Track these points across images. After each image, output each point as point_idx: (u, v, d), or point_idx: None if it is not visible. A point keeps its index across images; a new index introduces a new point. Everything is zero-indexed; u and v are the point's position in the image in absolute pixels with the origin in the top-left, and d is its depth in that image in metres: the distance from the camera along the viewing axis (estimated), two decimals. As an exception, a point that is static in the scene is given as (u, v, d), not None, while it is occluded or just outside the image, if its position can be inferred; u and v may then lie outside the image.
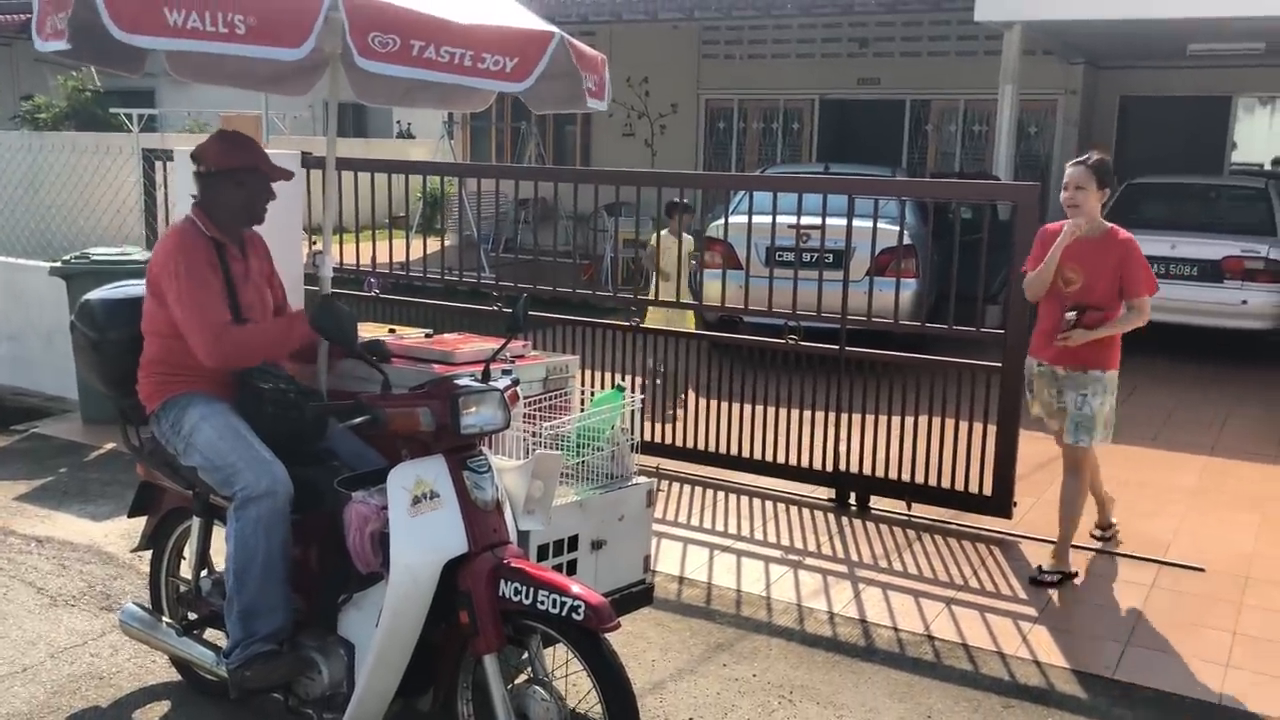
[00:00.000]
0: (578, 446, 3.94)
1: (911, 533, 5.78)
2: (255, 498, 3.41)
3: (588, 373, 6.54)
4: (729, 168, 16.89)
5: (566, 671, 3.29)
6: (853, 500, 6.17)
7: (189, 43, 3.25)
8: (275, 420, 3.59)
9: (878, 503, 6.12)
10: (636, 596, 4.08)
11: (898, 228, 6.28)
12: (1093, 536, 5.70)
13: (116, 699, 4.01)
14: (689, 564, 5.33)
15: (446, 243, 12.66)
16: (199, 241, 3.66)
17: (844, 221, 6.00)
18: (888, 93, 15.87)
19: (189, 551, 3.94)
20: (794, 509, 6.10)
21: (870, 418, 6.11)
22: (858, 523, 5.93)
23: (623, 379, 6.39)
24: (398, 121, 26.33)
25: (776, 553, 5.49)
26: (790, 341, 6.31)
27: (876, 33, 15.59)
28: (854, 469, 6.15)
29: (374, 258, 7.84)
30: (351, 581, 3.37)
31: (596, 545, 3.89)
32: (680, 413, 6.83)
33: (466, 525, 3.16)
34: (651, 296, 7.64)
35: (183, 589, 4.01)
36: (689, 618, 4.78)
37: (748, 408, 6.49)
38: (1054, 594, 5.06)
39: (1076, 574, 5.24)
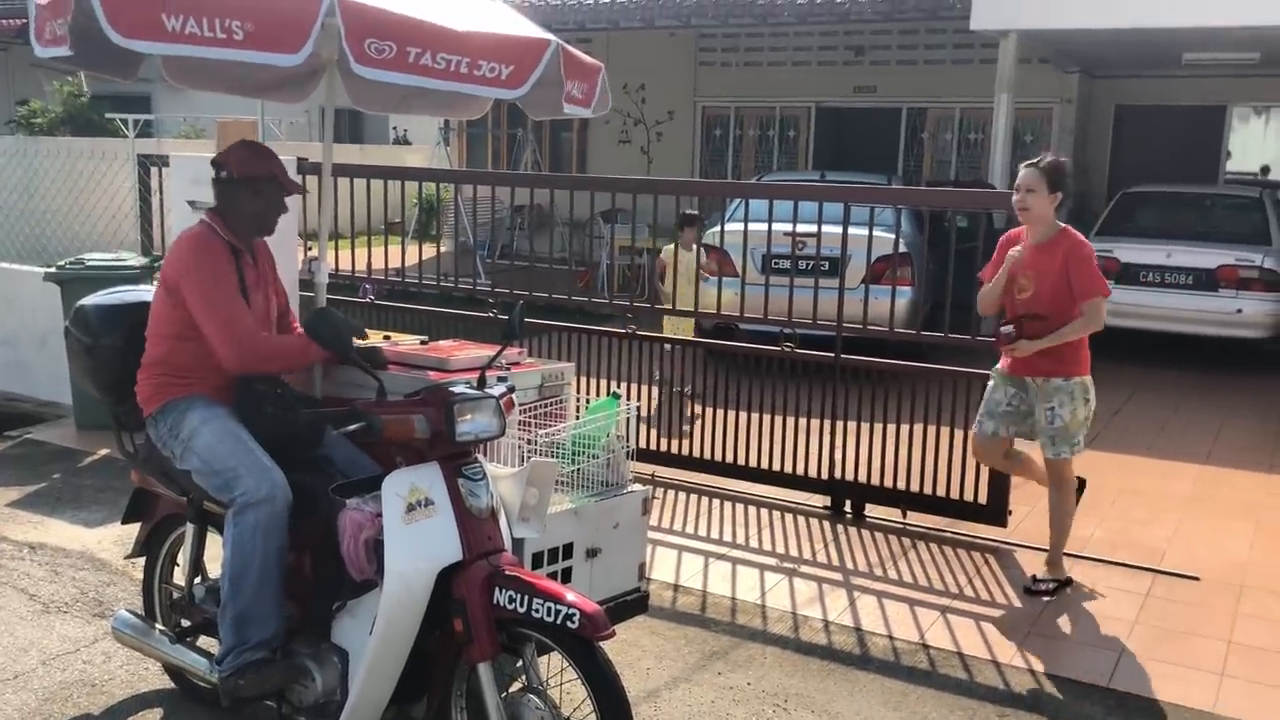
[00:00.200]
0: (573, 454, 3.93)
1: (906, 541, 5.78)
2: (254, 503, 3.40)
3: (583, 380, 6.54)
4: (725, 175, 16.90)
5: (561, 680, 3.28)
6: (848, 508, 6.17)
7: (186, 48, 3.25)
8: (276, 421, 3.58)
9: (873, 510, 6.12)
10: (631, 604, 4.07)
11: (893, 235, 6.29)
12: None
13: (109, 706, 3.99)
14: (684, 572, 5.32)
15: (442, 249, 12.65)
16: (219, 245, 3.67)
17: (840, 229, 6.01)
18: (884, 101, 15.90)
19: (182, 558, 3.93)
20: (789, 517, 6.10)
21: (866, 425, 6.11)
22: (853, 530, 5.93)
23: (618, 386, 6.40)
24: (394, 127, 26.34)
25: (771, 561, 5.48)
26: (786, 349, 6.31)
27: (872, 41, 15.62)
28: (849, 477, 6.15)
29: (369, 264, 7.83)
30: (346, 588, 3.36)
31: (591, 553, 3.89)
32: (689, 429, 6.77)
33: (461, 533, 3.15)
34: (660, 306, 7.64)
35: (176, 596, 4.00)
36: (684, 626, 4.77)
37: (743, 415, 6.49)
38: (1048, 602, 5.06)
39: (1071, 582, 5.23)
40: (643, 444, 6.42)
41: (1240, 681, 4.36)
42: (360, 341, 3.79)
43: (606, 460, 4.02)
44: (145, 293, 4.17)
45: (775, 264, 7.66)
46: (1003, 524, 5.77)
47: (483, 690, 3.10)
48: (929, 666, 4.46)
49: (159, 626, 3.98)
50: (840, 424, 6.14)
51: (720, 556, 5.51)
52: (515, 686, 3.32)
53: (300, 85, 4.71)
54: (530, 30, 3.97)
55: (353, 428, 3.21)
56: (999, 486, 5.73)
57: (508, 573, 3.14)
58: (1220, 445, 7.88)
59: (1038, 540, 5.68)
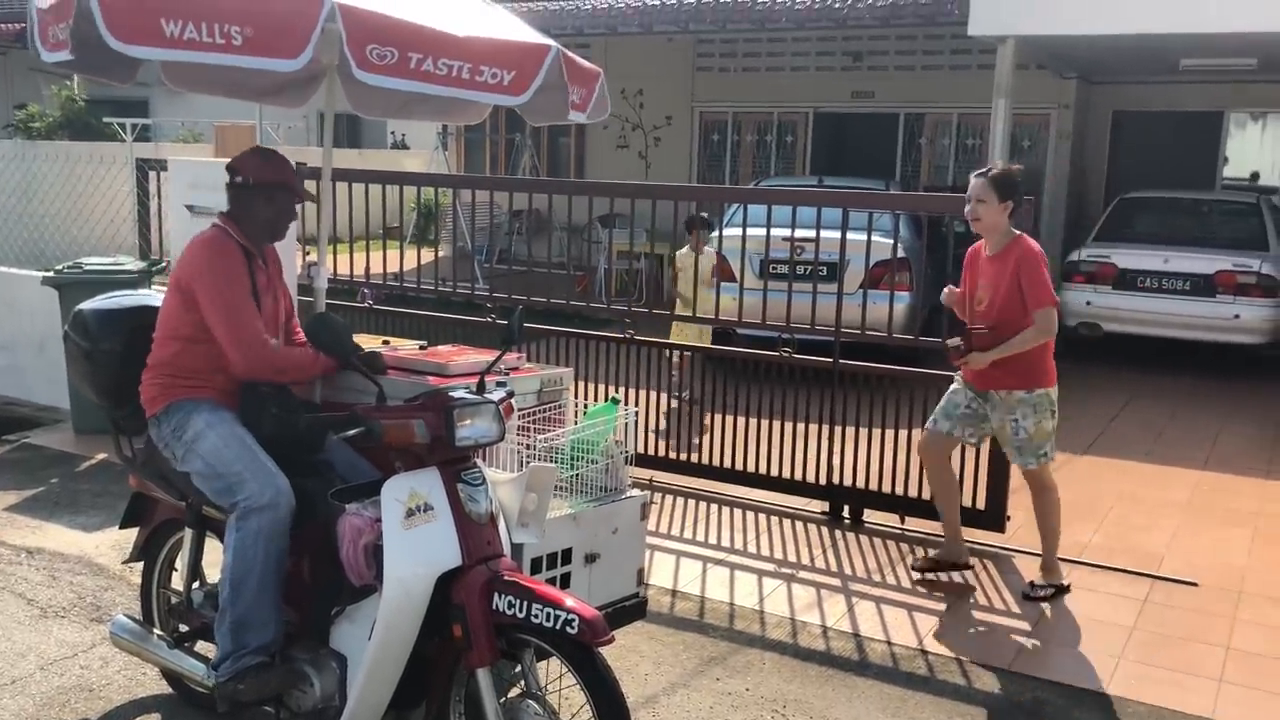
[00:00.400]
0: (572, 459, 3.93)
1: (905, 546, 5.78)
2: (258, 509, 3.40)
3: (581, 385, 6.54)
4: (723, 180, 16.90)
5: (560, 685, 3.28)
6: (846, 513, 6.17)
7: (185, 53, 3.26)
8: (279, 423, 3.58)
9: (871, 516, 6.12)
10: (630, 610, 4.07)
11: (892, 241, 6.29)
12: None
13: (106, 711, 3.98)
14: (682, 577, 5.32)
15: (440, 254, 12.66)
16: (233, 248, 3.68)
17: (838, 234, 6.01)
18: (882, 106, 15.90)
19: (181, 563, 3.93)
20: (787, 522, 6.09)
21: (864, 430, 6.11)
22: (851, 536, 5.93)
23: (617, 391, 6.40)
24: (392, 132, 26.31)
25: (770, 566, 5.48)
26: (784, 354, 6.32)
27: (870, 46, 15.63)
28: (848, 482, 6.15)
29: (368, 269, 7.83)
30: (344, 594, 3.36)
31: (590, 558, 3.89)
32: (702, 439, 6.75)
33: (460, 538, 3.15)
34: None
35: (174, 601, 4.00)
36: (682, 631, 4.77)
37: (741, 420, 6.49)
38: (1046, 608, 5.06)
39: (1069, 586, 5.23)
40: (641, 449, 6.42)
41: (1239, 688, 4.36)
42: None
43: (605, 465, 4.02)
44: (144, 297, 4.17)
45: (773, 269, 7.68)
46: (1001, 529, 5.77)
47: (482, 696, 3.10)
48: (927, 672, 4.46)
49: (157, 631, 3.98)
50: (839, 429, 6.14)
51: (718, 562, 5.51)
52: (514, 692, 3.31)
53: (300, 90, 4.70)
54: (530, 35, 3.97)
55: (352, 432, 3.21)
56: (997, 492, 5.73)
57: (507, 578, 3.14)
58: (1218, 451, 7.88)
59: (1036, 545, 5.67)
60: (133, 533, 4.16)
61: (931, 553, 5.50)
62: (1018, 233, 5.03)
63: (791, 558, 5.60)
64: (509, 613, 3.05)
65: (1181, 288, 10.35)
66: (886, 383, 6.16)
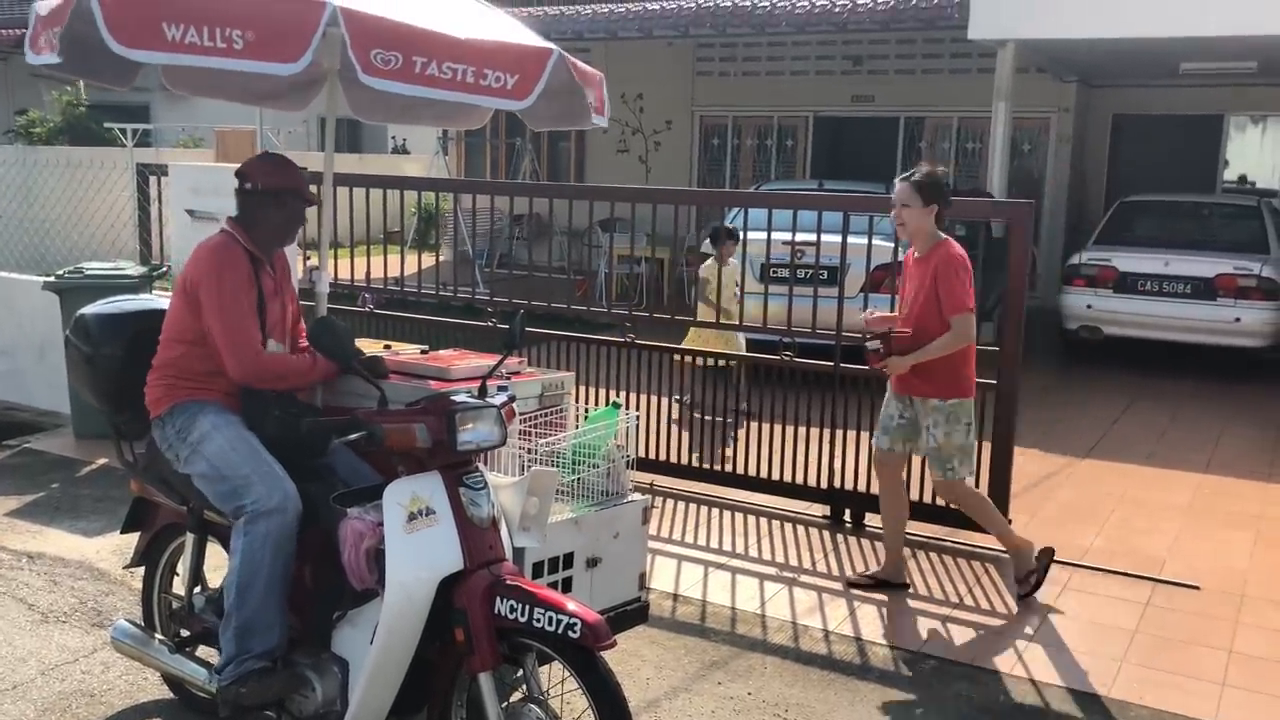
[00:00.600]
0: (573, 463, 3.93)
1: (906, 550, 5.76)
2: (266, 513, 3.40)
3: (582, 389, 6.53)
4: (723, 184, 16.92)
5: (562, 690, 3.27)
6: (848, 517, 6.16)
7: (186, 57, 3.25)
8: (282, 425, 3.58)
9: (873, 520, 6.10)
10: (632, 614, 4.06)
11: (892, 244, 6.28)
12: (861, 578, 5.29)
13: (108, 716, 3.98)
14: (684, 581, 5.31)
15: (441, 258, 12.65)
16: (240, 256, 3.68)
17: (839, 238, 6.01)
18: (882, 110, 15.92)
19: (182, 568, 3.92)
20: (789, 526, 6.09)
21: (865, 434, 6.09)
22: (853, 540, 5.92)
23: (618, 395, 6.40)
24: (392, 137, 26.37)
25: (771, 570, 5.47)
26: (785, 358, 6.31)
27: (870, 50, 15.64)
28: (849, 486, 6.14)
29: (369, 273, 7.83)
30: (346, 598, 3.35)
31: (592, 563, 3.88)
32: (729, 452, 6.69)
33: (462, 542, 3.15)
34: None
35: (175, 605, 3.99)
36: (684, 635, 4.76)
37: (742, 424, 6.47)
38: (1048, 610, 5.05)
39: (1048, 566, 5.16)
40: (643, 453, 6.42)
41: (1241, 691, 4.36)
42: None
43: (606, 470, 4.02)
44: (145, 301, 4.18)
45: (774, 273, 7.69)
46: (1003, 533, 5.76)
47: (484, 700, 3.09)
48: (929, 676, 4.46)
49: (158, 636, 3.97)
50: (840, 433, 6.14)
51: (720, 566, 5.50)
52: (516, 696, 3.31)
53: (301, 94, 4.71)
54: (531, 39, 3.96)
55: (354, 436, 3.21)
56: (999, 496, 5.72)
57: (509, 582, 3.14)
58: (1220, 454, 7.88)
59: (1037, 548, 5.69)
60: (134, 537, 4.16)
61: (873, 569, 5.35)
62: (943, 236, 4.99)
63: (793, 561, 5.59)
64: (511, 617, 3.05)
65: (1182, 291, 10.35)
66: (887, 386, 6.14)
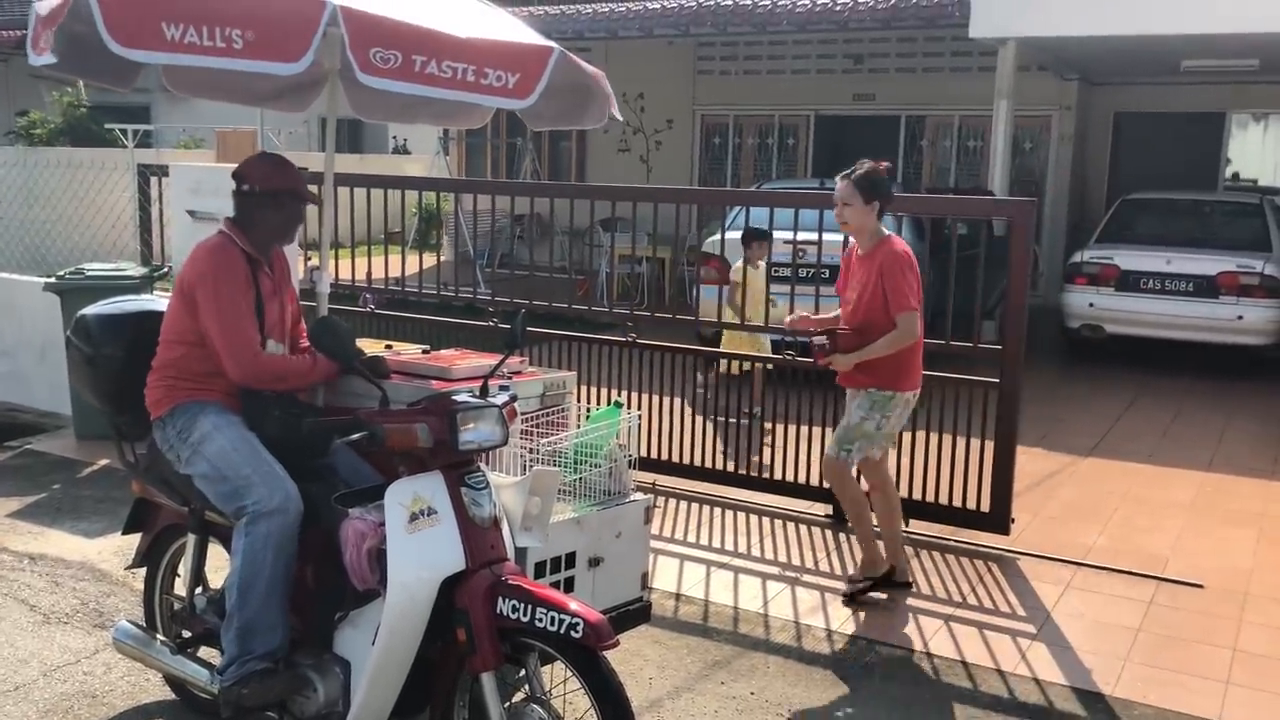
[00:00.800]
0: (575, 463, 3.92)
1: (909, 549, 5.75)
2: (268, 513, 3.39)
3: (583, 388, 6.52)
4: (724, 183, 16.91)
5: (564, 690, 3.27)
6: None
7: (186, 57, 3.25)
8: (283, 425, 3.57)
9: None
10: (634, 614, 4.06)
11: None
12: (850, 586, 5.18)
13: (110, 718, 3.97)
14: (686, 581, 5.30)
15: (442, 258, 12.66)
16: (237, 257, 3.67)
17: (840, 237, 5.99)
18: (883, 108, 15.91)
19: (183, 569, 3.92)
20: (791, 525, 6.08)
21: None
22: (855, 539, 5.90)
23: (620, 395, 6.39)
24: (393, 137, 26.37)
25: (774, 569, 5.47)
26: (786, 356, 6.30)
27: (871, 49, 15.63)
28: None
29: (370, 273, 7.83)
30: (348, 599, 3.35)
31: (594, 562, 3.87)
32: (764, 454, 6.65)
33: (464, 542, 3.14)
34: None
35: (177, 606, 3.99)
36: (686, 635, 4.75)
37: (744, 423, 6.47)
38: (1049, 610, 5.04)
39: (898, 583, 5.13)
40: (645, 453, 6.41)
41: (1245, 690, 4.35)
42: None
43: (609, 469, 4.01)
44: (146, 302, 4.17)
45: (776, 272, 7.68)
46: (1005, 532, 5.76)
47: (486, 700, 3.09)
48: (933, 675, 4.45)
49: (160, 637, 3.97)
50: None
51: (722, 565, 5.50)
52: (518, 696, 3.30)
53: (302, 94, 4.70)
54: (532, 38, 3.95)
55: (356, 436, 3.21)
56: (1001, 495, 5.72)
57: (511, 582, 3.13)
58: (1223, 452, 7.87)
59: (1041, 548, 5.69)
60: (135, 538, 4.15)
61: (857, 579, 5.23)
62: (887, 233, 4.98)
63: (795, 561, 5.58)
64: (513, 617, 3.04)
65: (1184, 289, 10.34)
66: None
